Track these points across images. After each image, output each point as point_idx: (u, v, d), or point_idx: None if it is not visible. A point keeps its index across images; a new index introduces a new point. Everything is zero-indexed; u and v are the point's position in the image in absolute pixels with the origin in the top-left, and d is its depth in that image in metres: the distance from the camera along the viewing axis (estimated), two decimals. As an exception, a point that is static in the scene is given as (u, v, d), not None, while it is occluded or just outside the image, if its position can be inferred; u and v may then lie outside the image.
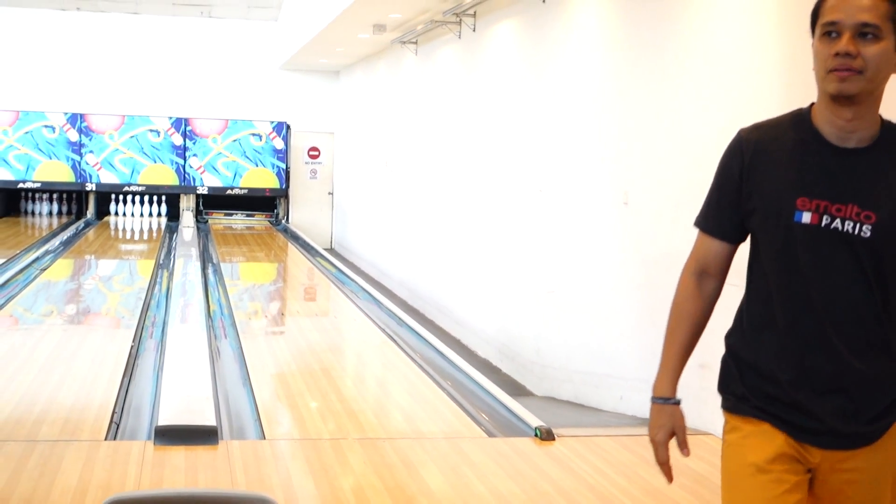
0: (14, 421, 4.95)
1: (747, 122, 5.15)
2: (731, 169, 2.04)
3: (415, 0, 9.93)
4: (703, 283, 2.13)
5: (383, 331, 7.91)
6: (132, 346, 6.98)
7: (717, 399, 2.18)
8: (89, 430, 4.89)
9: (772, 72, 5.18)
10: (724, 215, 2.09)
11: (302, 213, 17.29)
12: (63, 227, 15.43)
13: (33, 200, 16.93)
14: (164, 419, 4.79)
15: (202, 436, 4.53)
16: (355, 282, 10.27)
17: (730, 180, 2.05)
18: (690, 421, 4.07)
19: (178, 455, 4.34)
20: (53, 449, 4.43)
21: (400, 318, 8.16)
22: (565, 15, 7.84)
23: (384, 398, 6.18)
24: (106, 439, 4.68)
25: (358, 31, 11.62)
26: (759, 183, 1.99)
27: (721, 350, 2.19)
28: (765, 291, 2.02)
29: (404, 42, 11.77)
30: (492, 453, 4.69)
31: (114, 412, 5.16)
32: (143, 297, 9.16)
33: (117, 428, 4.97)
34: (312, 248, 13.83)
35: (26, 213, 16.97)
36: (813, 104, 1.98)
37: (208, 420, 4.88)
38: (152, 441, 4.52)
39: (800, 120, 1.99)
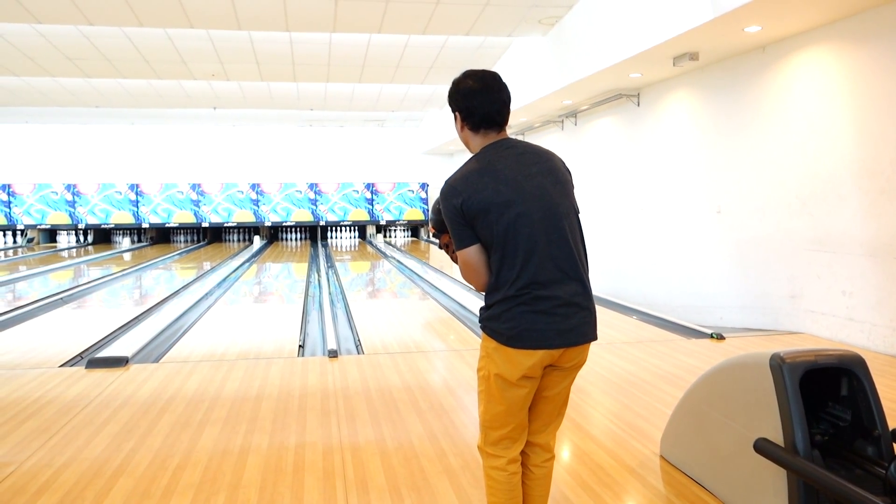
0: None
1: (814, 158, 5.08)
2: None
3: (537, 108, 8.82)
4: None
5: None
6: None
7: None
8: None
9: (836, 126, 4.84)
10: None
11: (438, 232, 17.37)
12: (310, 248, 15.59)
13: (287, 232, 17.31)
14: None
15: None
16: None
17: None
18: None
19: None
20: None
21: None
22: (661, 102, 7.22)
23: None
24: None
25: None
26: None
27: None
28: None
29: (514, 135, 10.63)
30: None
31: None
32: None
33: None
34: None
35: (283, 239, 17.09)
36: None
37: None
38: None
39: None
